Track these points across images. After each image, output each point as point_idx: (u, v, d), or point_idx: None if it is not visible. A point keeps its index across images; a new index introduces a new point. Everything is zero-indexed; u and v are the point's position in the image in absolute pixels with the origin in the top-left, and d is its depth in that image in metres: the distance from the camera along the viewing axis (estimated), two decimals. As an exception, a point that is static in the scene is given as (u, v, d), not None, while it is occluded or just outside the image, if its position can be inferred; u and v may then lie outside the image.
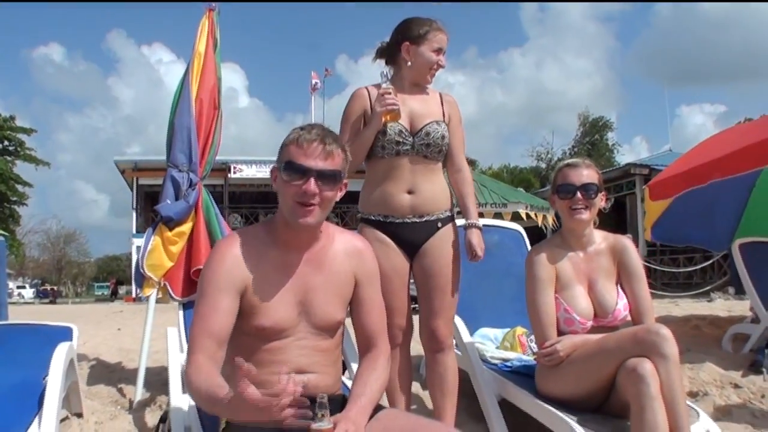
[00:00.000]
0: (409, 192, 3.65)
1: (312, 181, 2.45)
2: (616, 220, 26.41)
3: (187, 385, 2.38)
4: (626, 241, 3.63)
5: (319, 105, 40.45)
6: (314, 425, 2.20)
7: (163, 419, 3.85)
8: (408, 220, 3.65)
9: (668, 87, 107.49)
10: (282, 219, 2.59)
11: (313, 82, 37.84)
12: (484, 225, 3.91)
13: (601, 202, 3.56)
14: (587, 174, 3.52)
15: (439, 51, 3.74)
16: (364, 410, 2.45)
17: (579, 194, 3.48)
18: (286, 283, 2.58)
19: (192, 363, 2.38)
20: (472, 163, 54.29)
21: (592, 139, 55.82)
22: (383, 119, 3.59)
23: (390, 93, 3.58)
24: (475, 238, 3.73)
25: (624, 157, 55.38)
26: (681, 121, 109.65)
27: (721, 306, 12.92)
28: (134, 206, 35.27)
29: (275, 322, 2.54)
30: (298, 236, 2.60)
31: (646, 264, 23.32)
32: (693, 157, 7.42)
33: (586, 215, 3.49)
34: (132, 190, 35.66)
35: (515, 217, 19.76)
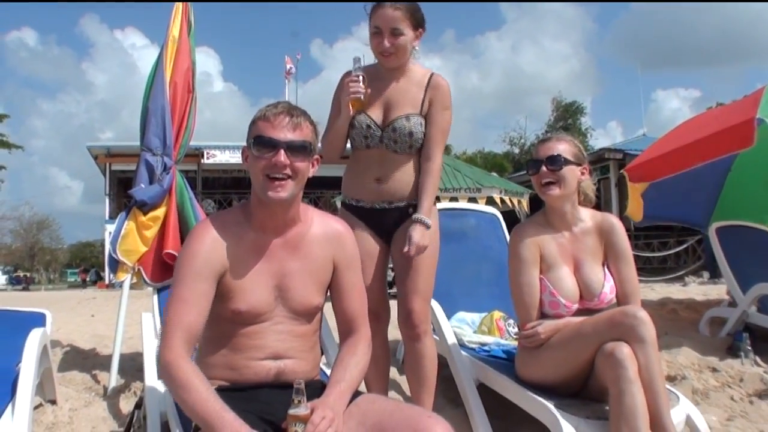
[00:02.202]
0: (378, 180, 3.59)
1: (282, 152, 2.44)
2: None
3: (164, 371, 2.34)
4: (614, 219, 3.54)
5: (294, 90, 40.30)
6: (291, 411, 2.18)
7: (139, 405, 3.82)
8: (378, 206, 3.60)
9: (645, 70, 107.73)
10: (256, 199, 2.57)
11: (288, 67, 37.74)
12: (461, 209, 3.84)
13: (578, 175, 3.45)
14: (555, 146, 3.43)
15: (377, 33, 3.51)
16: (343, 396, 2.43)
17: (544, 167, 3.40)
18: (262, 267, 2.56)
19: (169, 349, 2.34)
20: (446, 148, 54.37)
21: (566, 123, 55.93)
22: (349, 109, 3.51)
23: (356, 80, 3.46)
24: (416, 233, 3.44)
25: (598, 141, 55.74)
26: (657, 106, 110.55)
27: (696, 290, 13.01)
28: (107, 192, 34.96)
29: (252, 306, 2.52)
30: (273, 216, 2.57)
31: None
32: (669, 141, 7.42)
33: (556, 191, 3.39)
34: (105, 176, 35.33)
35: (489, 201, 19.80)
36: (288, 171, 2.47)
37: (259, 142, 2.48)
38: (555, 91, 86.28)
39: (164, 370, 2.34)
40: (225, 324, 2.55)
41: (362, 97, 3.47)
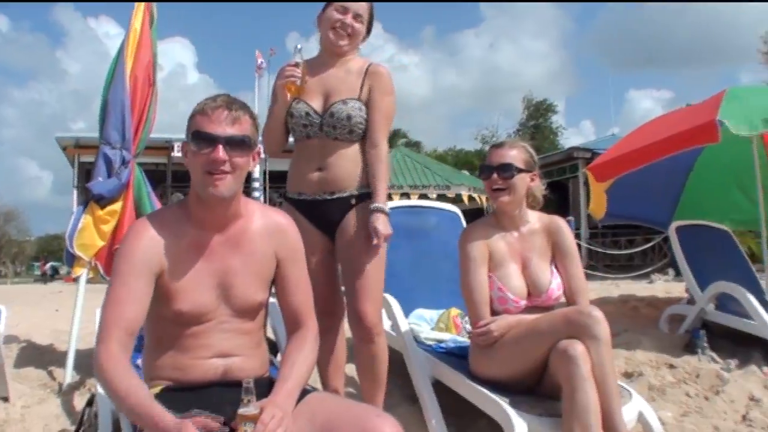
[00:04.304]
0: (319, 169, 3.55)
1: (220, 148, 2.37)
2: (558, 202, 26.63)
3: (100, 375, 2.29)
4: (560, 221, 3.65)
5: (266, 84, 40.04)
6: (240, 410, 2.16)
7: (90, 402, 3.78)
8: (319, 198, 3.55)
9: (621, 70, 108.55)
10: (195, 196, 2.51)
11: (259, 61, 37.45)
12: (422, 207, 3.79)
13: (528, 182, 3.53)
14: (508, 154, 3.50)
15: (343, 10, 3.55)
16: (291, 394, 2.41)
17: (495, 175, 3.47)
18: (203, 266, 2.51)
19: (105, 352, 2.29)
20: (416, 144, 54.53)
21: (537, 122, 56.25)
22: (285, 93, 3.46)
23: (293, 66, 3.43)
24: (380, 223, 3.44)
25: (569, 140, 56.03)
26: (631, 106, 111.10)
27: (661, 287, 13.11)
28: (75, 184, 34.58)
29: (194, 306, 2.47)
30: (212, 212, 2.51)
31: (588, 246, 23.66)
32: (632, 140, 7.49)
33: (505, 197, 3.48)
34: (73, 167, 34.98)
35: (459, 198, 19.87)
36: (227, 167, 2.40)
37: (197, 137, 2.41)
38: (533, 90, 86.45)
39: (99, 374, 2.29)
40: (169, 325, 2.50)
41: (299, 82, 3.43)
